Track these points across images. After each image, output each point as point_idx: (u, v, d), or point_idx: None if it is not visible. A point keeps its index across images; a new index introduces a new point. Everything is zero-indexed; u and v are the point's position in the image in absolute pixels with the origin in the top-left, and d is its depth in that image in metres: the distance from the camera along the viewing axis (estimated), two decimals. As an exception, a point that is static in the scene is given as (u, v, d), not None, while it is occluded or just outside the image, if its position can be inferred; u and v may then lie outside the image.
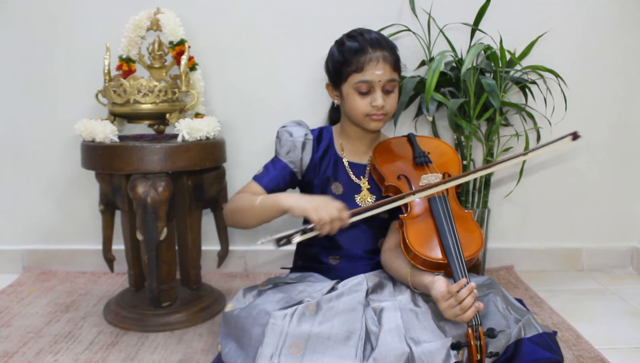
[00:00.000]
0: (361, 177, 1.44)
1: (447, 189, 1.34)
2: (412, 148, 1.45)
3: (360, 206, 1.37)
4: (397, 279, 1.35)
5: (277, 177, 1.42)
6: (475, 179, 1.85)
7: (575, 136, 1.22)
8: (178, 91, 1.58)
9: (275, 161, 1.45)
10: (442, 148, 1.47)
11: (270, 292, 1.34)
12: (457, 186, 1.40)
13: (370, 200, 1.41)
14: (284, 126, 1.48)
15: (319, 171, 1.44)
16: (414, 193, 1.29)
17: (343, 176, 1.44)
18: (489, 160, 1.83)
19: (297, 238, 1.21)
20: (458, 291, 1.12)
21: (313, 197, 1.26)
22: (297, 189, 1.52)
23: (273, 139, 1.49)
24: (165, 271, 1.60)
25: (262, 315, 1.21)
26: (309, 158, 1.45)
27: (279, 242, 1.19)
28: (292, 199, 1.26)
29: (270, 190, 1.41)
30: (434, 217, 1.27)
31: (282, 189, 1.43)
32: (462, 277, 1.16)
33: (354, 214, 1.25)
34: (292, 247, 1.34)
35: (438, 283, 1.17)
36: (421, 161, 1.40)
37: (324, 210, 1.19)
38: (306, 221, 1.27)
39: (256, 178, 1.43)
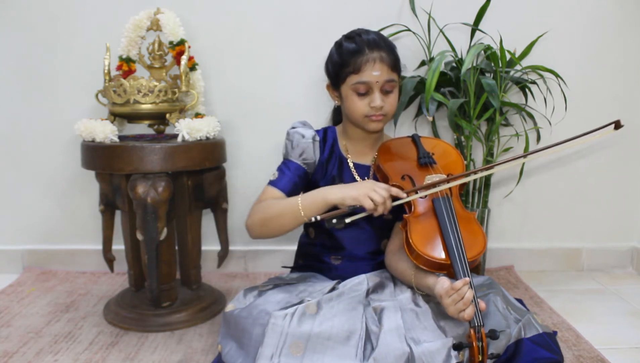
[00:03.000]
0: (365, 178, 1.44)
1: (450, 190, 1.34)
2: (417, 149, 1.45)
3: (358, 214, 1.35)
4: (401, 281, 1.35)
5: (293, 178, 1.41)
6: (475, 180, 1.85)
7: (617, 125, 1.22)
8: (178, 91, 1.58)
9: (288, 163, 1.43)
10: (446, 149, 1.47)
11: (271, 292, 1.34)
12: (461, 187, 1.40)
13: None
14: (294, 128, 1.46)
15: (325, 172, 1.44)
16: (447, 181, 1.29)
17: (348, 177, 1.43)
18: (489, 160, 1.83)
19: (349, 218, 1.23)
20: (460, 288, 1.13)
21: (356, 185, 1.27)
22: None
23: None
24: (165, 271, 1.60)
25: (263, 315, 1.21)
26: (317, 159, 1.45)
27: (325, 221, 1.22)
28: (337, 191, 1.26)
29: (288, 192, 1.39)
30: (438, 217, 1.27)
31: (299, 189, 1.40)
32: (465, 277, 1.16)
33: (407, 191, 1.26)
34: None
35: (440, 283, 1.17)
36: (425, 162, 1.40)
37: (374, 194, 1.22)
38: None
39: (272, 183, 1.40)
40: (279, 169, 1.43)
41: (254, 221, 1.35)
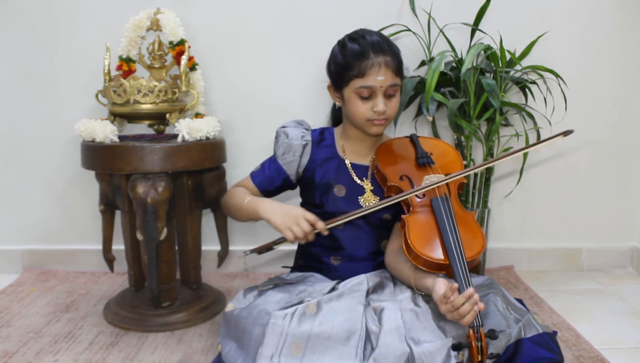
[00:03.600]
0: (364, 178, 1.44)
1: (449, 190, 1.34)
2: (415, 149, 1.45)
3: (364, 206, 1.37)
4: (400, 281, 1.34)
5: (270, 178, 1.46)
6: (475, 180, 1.85)
7: (566, 133, 1.29)
8: (178, 91, 1.58)
9: (272, 160, 1.47)
10: (445, 148, 1.47)
11: (271, 292, 1.34)
12: (460, 187, 1.39)
13: (374, 201, 1.41)
14: (283, 127, 1.48)
15: (319, 173, 1.44)
16: (406, 195, 1.31)
17: (346, 178, 1.43)
18: (488, 160, 1.83)
19: (277, 246, 1.31)
20: (454, 298, 1.12)
21: (286, 212, 1.30)
22: (297, 189, 1.52)
23: (273, 139, 1.49)
24: (165, 271, 1.60)
25: (263, 315, 1.21)
26: (307, 160, 1.44)
27: (260, 252, 1.32)
28: (269, 211, 1.32)
29: (262, 189, 1.47)
30: (436, 217, 1.27)
31: (272, 191, 1.48)
32: (463, 279, 1.16)
33: (329, 224, 1.30)
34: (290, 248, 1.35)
35: (437, 286, 1.17)
36: (424, 162, 1.40)
37: (296, 227, 1.25)
38: None
39: (252, 175, 1.48)
40: (263, 164, 1.49)
41: (223, 201, 1.51)
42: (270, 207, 1.33)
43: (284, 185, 1.47)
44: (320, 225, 1.27)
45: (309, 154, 1.44)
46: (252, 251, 1.35)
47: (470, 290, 1.12)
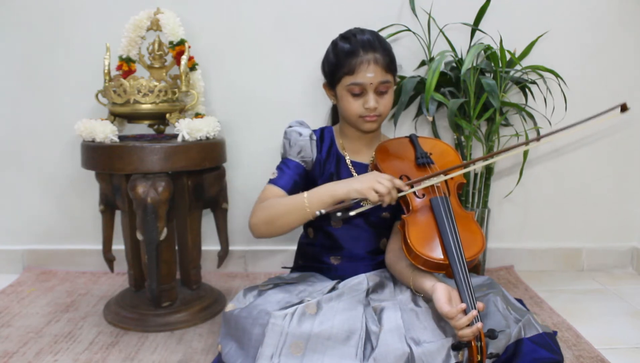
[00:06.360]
0: None
1: (448, 190, 1.34)
2: (414, 149, 1.45)
3: (362, 206, 1.37)
4: (400, 282, 1.34)
5: (293, 176, 1.41)
6: (475, 180, 1.85)
7: (623, 107, 1.25)
8: (178, 91, 1.58)
9: (287, 161, 1.43)
10: (444, 148, 1.47)
11: (271, 292, 1.34)
12: (459, 187, 1.40)
13: (371, 202, 1.41)
14: (291, 126, 1.47)
15: (322, 171, 1.44)
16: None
17: (346, 175, 1.43)
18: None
19: (353, 211, 1.24)
20: (458, 318, 1.11)
21: (361, 177, 1.28)
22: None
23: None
24: (165, 271, 1.60)
25: (263, 315, 1.21)
26: (314, 157, 1.45)
27: (331, 213, 1.24)
28: (343, 186, 1.27)
29: (289, 190, 1.39)
30: (436, 217, 1.27)
31: (300, 187, 1.41)
32: (463, 279, 1.16)
33: (409, 182, 1.28)
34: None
35: (436, 294, 1.16)
36: (423, 162, 1.40)
37: (378, 185, 1.23)
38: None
39: (273, 181, 1.40)
40: (279, 168, 1.43)
41: (259, 220, 1.34)
42: (340, 183, 1.29)
43: (306, 179, 1.44)
44: (399, 183, 1.25)
45: (315, 153, 1.45)
46: (326, 211, 1.24)
47: (474, 312, 1.10)
